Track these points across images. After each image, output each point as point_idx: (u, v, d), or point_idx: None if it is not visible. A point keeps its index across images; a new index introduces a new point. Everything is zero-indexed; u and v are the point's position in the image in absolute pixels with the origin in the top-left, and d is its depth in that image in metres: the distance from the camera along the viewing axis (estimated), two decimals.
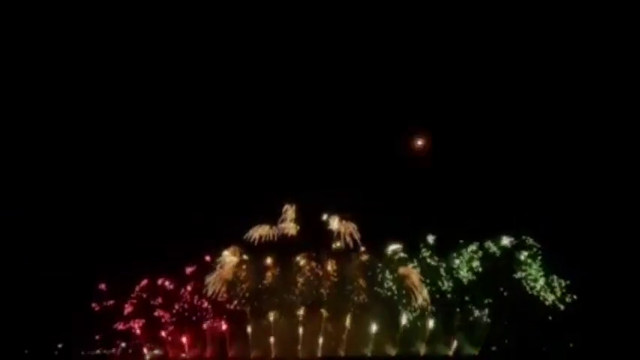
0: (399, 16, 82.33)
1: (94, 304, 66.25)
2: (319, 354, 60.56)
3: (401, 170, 69.01)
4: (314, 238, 63.31)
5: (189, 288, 64.44)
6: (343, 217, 63.72)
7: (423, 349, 62.44)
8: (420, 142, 63.07)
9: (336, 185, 65.47)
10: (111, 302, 66.77)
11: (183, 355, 64.81)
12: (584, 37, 74.61)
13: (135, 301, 65.51)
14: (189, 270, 64.99)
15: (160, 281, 65.53)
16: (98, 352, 67.23)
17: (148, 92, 78.17)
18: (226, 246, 63.38)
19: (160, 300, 65.48)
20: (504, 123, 73.45)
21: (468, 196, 67.83)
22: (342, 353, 61.02)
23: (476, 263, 63.37)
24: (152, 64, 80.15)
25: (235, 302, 61.52)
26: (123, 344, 66.69)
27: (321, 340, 60.40)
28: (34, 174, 72.19)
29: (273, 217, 64.28)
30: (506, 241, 64.21)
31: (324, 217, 63.97)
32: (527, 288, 61.93)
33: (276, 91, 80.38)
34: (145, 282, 65.52)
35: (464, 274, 63.06)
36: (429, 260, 64.11)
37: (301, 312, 60.30)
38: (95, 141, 77.17)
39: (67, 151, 75.53)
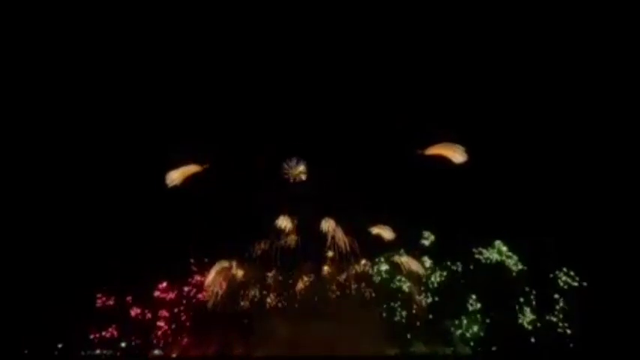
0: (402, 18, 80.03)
1: (94, 304, 66.56)
2: (319, 354, 60.75)
3: (399, 175, 67.91)
4: (314, 247, 64.03)
5: (190, 290, 65.03)
6: (343, 228, 64.57)
7: (423, 349, 62.72)
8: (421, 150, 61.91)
9: (336, 192, 64.95)
10: (111, 302, 67.13)
11: (184, 355, 64.98)
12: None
13: (135, 302, 65.96)
14: (190, 273, 65.52)
15: (160, 282, 66.05)
16: (98, 352, 67.29)
17: (149, 96, 76.45)
18: (227, 255, 64.13)
19: (160, 301, 66.06)
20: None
21: (468, 202, 66.33)
22: (342, 353, 61.25)
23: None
24: (152, 67, 78.26)
25: (236, 304, 62.31)
26: (123, 344, 66.83)
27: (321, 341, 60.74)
28: (34, 174, 71.66)
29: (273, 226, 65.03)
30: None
31: (324, 226, 64.76)
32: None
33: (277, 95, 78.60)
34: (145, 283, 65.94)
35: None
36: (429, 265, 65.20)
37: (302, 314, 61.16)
38: (94, 143, 76.11)
39: (66, 153, 74.49)
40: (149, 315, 66.81)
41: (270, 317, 62.78)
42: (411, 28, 76.02)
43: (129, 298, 67.23)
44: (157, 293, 67.03)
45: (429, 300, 64.03)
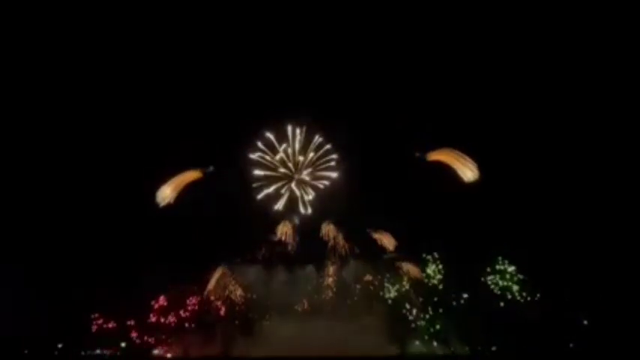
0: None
1: (94, 305, 66.60)
2: (319, 354, 60.95)
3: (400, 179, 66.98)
4: (314, 249, 63.86)
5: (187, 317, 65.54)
6: (344, 233, 64.46)
7: (423, 349, 62.90)
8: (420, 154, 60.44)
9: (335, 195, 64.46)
10: (111, 302, 67.09)
11: (184, 355, 65.12)
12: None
13: (135, 302, 66.02)
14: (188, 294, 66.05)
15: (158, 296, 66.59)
16: (98, 352, 67.40)
17: (149, 100, 74.28)
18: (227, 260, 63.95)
19: (160, 301, 66.22)
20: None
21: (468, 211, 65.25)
22: (342, 353, 61.42)
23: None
24: (154, 75, 75.59)
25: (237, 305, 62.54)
26: (123, 344, 66.90)
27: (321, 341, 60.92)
28: (35, 175, 70.90)
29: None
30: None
31: (324, 230, 64.59)
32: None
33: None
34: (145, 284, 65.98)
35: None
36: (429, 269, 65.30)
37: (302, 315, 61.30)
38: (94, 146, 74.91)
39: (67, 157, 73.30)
40: (150, 340, 66.87)
41: (270, 318, 62.94)
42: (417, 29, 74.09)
43: (130, 322, 66.78)
44: (154, 318, 66.72)
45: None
